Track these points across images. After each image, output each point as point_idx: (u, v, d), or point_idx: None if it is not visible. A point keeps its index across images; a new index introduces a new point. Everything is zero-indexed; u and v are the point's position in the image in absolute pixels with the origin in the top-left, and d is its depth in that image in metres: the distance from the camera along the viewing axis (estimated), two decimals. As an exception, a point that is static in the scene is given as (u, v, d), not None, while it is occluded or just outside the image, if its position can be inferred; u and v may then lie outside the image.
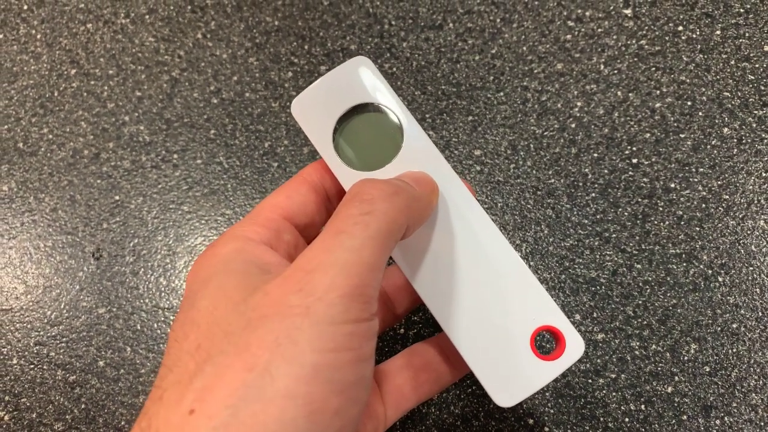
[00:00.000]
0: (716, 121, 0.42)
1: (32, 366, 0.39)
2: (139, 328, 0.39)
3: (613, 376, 0.37)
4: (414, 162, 0.29)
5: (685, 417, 0.36)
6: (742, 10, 0.44)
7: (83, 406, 0.38)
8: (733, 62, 0.43)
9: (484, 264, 0.29)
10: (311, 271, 0.22)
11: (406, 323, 0.39)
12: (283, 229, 0.28)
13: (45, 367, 0.39)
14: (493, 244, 0.29)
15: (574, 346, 0.28)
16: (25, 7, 0.48)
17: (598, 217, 0.40)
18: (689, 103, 0.42)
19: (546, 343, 0.36)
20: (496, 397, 0.28)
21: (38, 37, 0.47)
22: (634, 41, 0.44)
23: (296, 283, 0.22)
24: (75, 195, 0.42)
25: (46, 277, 0.41)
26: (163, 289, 0.40)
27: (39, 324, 0.40)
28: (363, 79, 0.30)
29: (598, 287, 0.39)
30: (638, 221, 0.40)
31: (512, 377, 0.28)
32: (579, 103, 0.43)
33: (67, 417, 0.38)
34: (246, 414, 0.19)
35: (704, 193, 0.40)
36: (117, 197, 0.42)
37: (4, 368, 0.39)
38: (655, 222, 0.40)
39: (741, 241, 0.39)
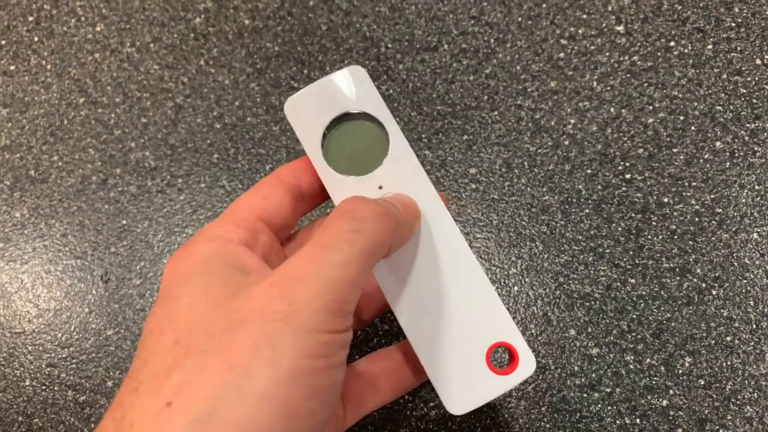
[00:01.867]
0: (709, 135, 0.42)
1: (44, 387, 0.40)
2: (146, 348, 0.41)
3: (608, 390, 0.37)
4: (396, 172, 0.30)
5: (680, 430, 0.36)
6: (733, 24, 0.45)
7: (93, 426, 0.39)
8: (725, 76, 0.43)
9: (450, 278, 0.30)
10: (297, 279, 0.23)
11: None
12: (259, 230, 0.29)
13: (56, 388, 0.40)
14: (461, 260, 0.30)
15: (526, 364, 0.29)
16: (36, 39, 0.50)
17: (592, 232, 0.41)
18: (682, 117, 0.43)
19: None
20: (448, 405, 0.29)
21: (48, 67, 0.49)
22: (626, 57, 0.45)
23: (281, 290, 0.23)
24: (84, 220, 0.44)
25: (57, 300, 0.42)
26: (168, 310, 0.42)
27: (50, 346, 0.41)
28: (356, 87, 0.31)
29: (592, 302, 0.39)
30: (632, 236, 0.40)
31: (466, 387, 0.29)
32: (572, 120, 0.43)
33: (77, 436, 0.39)
34: (224, 412, 0.20)
35: (697, 207, 0.41)
36: (124, 222, 0.44)
37: (17, 390, 0.40)
38: (649, 237, 0.40)
39: (734, 254, 0.39)
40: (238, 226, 0.28)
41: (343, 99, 0.31)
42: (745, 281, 0.39)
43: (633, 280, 0.39)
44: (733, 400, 0.37)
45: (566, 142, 0.43)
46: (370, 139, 0.31)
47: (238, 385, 0.21)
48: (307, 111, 0.31)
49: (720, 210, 0.40)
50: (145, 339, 0.24)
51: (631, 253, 0.40)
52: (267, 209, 0.29)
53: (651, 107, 0.43)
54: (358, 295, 0.24)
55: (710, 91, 0.43)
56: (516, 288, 0.40)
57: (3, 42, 0.50)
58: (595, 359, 0.38)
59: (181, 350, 0.22)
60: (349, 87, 0.31)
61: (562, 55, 0.45)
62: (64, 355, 0.41)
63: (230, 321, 0.22)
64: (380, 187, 0.30)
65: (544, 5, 0.46)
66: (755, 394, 0.37)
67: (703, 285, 0.39)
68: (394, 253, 0.28)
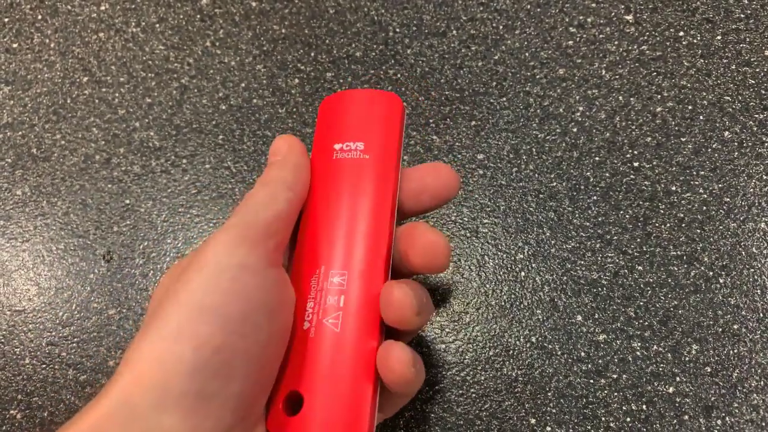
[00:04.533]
0: (717, 124, 0.42)
1: (44, 366, 0.40)
2: (148, 328, 0.40)
3: (615, 376, 0.37)
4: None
5: (686, 417, 0.36)
6: (742, 16, 0.45)
7: (93, 405, 0.39)
8: (733, 67, 0.43)
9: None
10: (210, 237, 0.26)
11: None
12: None
13: (56, 366, 0.40)
14: None
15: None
16: (39, 17, 0.49)
17: (599, 219, 0.40)
18: (690, 107, 0.43)
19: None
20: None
21: (52, 45, 0.48)
22: (635, 47, 0.45)
23: (203, 246, 0.26)
24: (86, 199, 0.43)
25: (58, 279, 0.42)
26: (171, 290, 0.41)
27: (51, 325, 0.41)
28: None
29: (599, 289, 0.39)
30: (639, 224, 0.40)
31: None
32: (581, 108, 0.43)
33: (77, 416, 0.39)
34: (146, 349, 0.24)
35: (705, 196, 0.40)
36: (127, 201, 0.43)
37: (17, 368, 0.40)
38: (657, 224, 0.40)
39: (742, 243, 0.39)
40: None
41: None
42: (753, 270, 0.39)
43: (640, 267, 0.39)
44: (739, 387, 0.37)
45: (574, 130, 0.43)
46: None
47: (155, 326, 0.24)
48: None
49: (728, 199, 0.40)
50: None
51: (638, 240, 0.40)
52: None
53: (659, 96, 0.43)
54: (267, 222, 0.26)
55: (719, 82, 0.43)
56: (523, 273, 0.40)
57: (6, 20, 0.49)
58: (601, 345, 0.38)
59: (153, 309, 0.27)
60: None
61: (570, 42, 0.45)
62: (65, 334, 0.40)
63: (178, 279, 0.26)
64: None
65: (553, -7, 0.46)
66: (762, 382, 0.37)
67: (711, 273, 0.39)
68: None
